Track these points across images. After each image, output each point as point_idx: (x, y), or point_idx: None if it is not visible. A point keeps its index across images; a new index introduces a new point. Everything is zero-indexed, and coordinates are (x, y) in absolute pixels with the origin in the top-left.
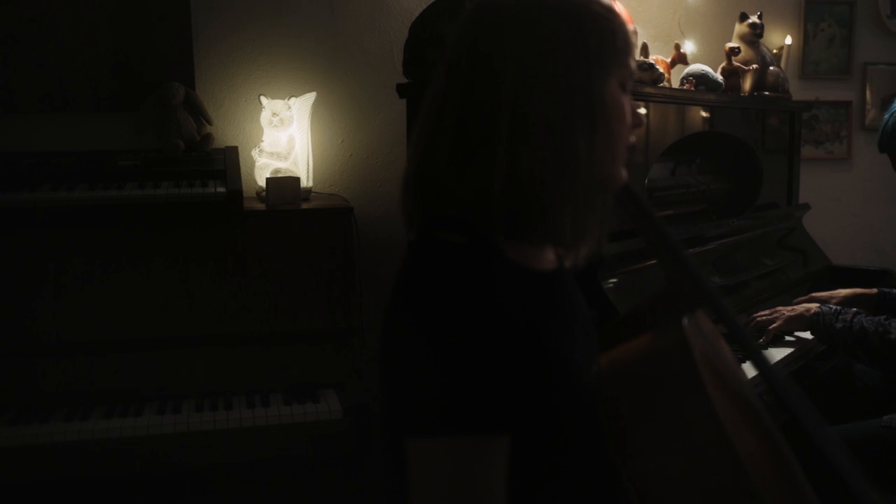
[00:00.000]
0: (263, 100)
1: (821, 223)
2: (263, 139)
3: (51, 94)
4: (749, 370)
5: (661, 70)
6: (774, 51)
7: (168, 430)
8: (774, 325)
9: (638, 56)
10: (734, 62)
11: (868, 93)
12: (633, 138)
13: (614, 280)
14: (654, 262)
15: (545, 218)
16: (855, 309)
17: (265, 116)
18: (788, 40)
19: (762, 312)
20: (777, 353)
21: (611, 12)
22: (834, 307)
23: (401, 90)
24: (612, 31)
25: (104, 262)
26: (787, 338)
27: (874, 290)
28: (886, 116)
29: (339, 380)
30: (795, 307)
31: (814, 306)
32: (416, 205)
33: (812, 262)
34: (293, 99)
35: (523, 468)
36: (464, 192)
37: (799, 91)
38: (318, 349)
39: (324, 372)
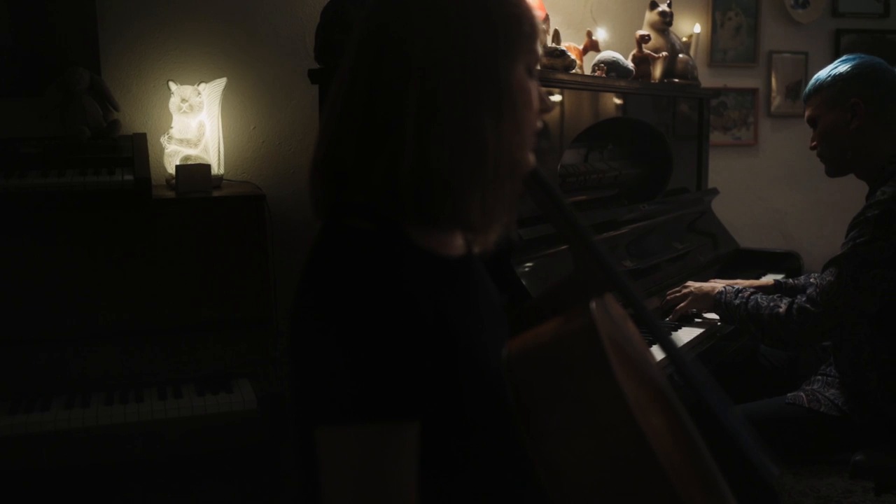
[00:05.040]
0: (172, 85)
1: (729, 207)
2: (173, 126)
3: None
4: (658, 353)
5: (573, 57)
6: (684, 39)
7: (76, 425)
8: (681, 304)
9: (550, 43)
10: (644, 50)
11: (773, 80)
12: (540, 123)
13: (529, 265)
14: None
15: (453, 203)
16: (754, 289)
17: (174, 102)
18: (697, 28)
19: (673, 290)
20: (686, 335)
21: None
22: (736, 287)
23: (313, 76)
24: (519, 17)
25: (6, 253)
26: (697, 319)
27: (770, 282)
28: (824, 72)
29: (253, 369)
30: (703, 285)
31: (719, 286)
32: (324, 191)
33: (721, 246)
34: (203, 85)
35: (434, 454)
36: (372, 178)
37: (707, 78)
38: (231, 338)
39: (238, 361)
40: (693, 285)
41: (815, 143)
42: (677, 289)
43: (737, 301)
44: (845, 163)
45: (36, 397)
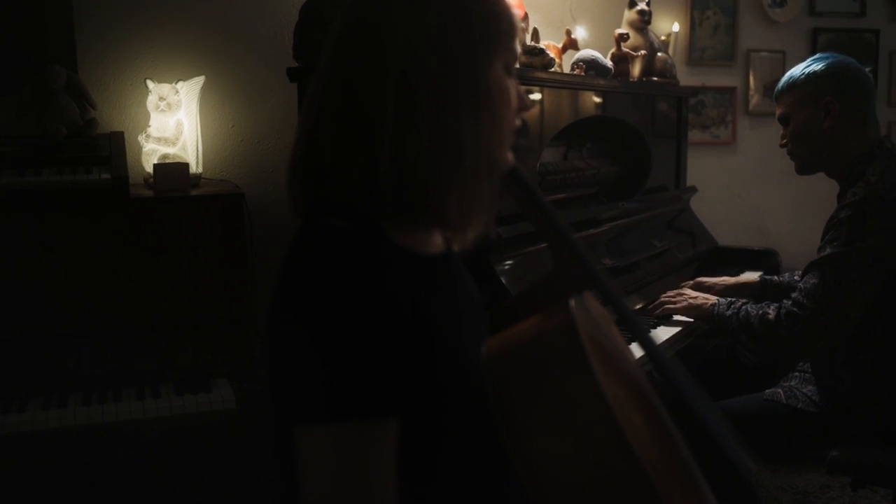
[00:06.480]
0: (150, 83)
1: (707, 205)
2: (150, 124)
3: None
4: (637, 350)
5: (553, 55)
6: (662, 37)
7: (53, 426)
8: (673, 306)
9: (529, 41)
10: (623, 48)
11: (751, 79)
12: (518, 121)
13: (509, 263)
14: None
15: (432, 202)
16: (745, 300)
17: (152, 101)
18: (676, 27)
19: (668, 293)
20: (665, 333)
21: None
22: (728, 299)
23: (291, 74)
24: (497, 15)
25: None
26: (676, 317)
27: (756, 279)
28: (797, 70)
29: (232, 369)
30: (698, 296)
31: (712, 299)
32: (302, 189)
33: (700, 243)
34: (181, 83)
35: (412, 453)
36: (350, 176)
37: (686, 77)
38: (210, 338)
39: (217, 361)
40: (689, 293)
41: (785, 140)
42: (672, 293)
43: (728, 312)
44: (818, 161)
45: (12, 398)
